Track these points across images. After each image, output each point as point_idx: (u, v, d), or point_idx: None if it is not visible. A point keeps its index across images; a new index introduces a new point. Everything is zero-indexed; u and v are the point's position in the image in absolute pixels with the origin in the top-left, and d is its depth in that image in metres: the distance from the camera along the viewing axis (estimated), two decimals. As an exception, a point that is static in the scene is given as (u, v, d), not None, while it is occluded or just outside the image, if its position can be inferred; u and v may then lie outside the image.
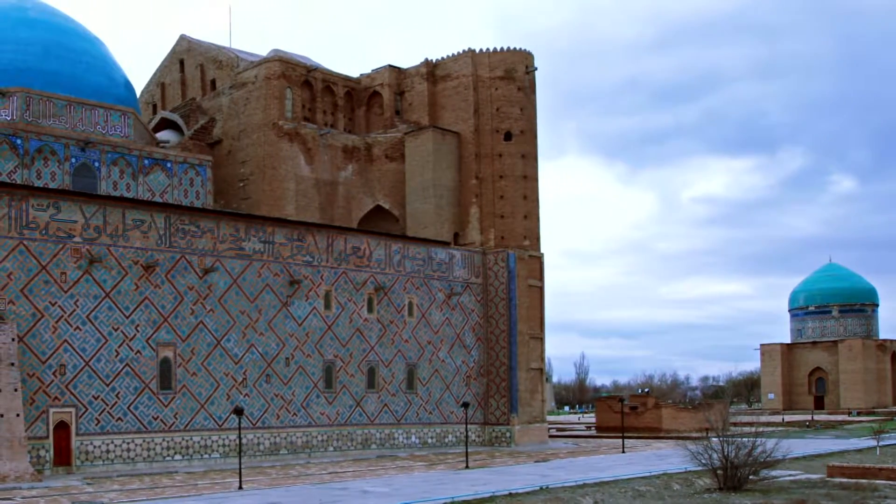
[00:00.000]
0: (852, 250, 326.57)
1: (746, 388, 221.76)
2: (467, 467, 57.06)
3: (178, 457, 59.15)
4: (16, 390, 50.12)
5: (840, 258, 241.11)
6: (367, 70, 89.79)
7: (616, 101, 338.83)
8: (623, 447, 72.74)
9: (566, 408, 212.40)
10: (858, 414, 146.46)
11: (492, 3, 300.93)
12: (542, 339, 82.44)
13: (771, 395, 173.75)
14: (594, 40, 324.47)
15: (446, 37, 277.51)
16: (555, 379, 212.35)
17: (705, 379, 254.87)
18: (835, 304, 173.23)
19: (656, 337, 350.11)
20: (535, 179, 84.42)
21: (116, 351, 56.70)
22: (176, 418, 59.32)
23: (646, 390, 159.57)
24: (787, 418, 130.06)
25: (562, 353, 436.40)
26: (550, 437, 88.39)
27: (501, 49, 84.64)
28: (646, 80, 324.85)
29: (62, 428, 54.13)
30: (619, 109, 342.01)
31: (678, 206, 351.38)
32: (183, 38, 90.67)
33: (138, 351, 57.70)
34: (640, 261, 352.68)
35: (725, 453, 42.82)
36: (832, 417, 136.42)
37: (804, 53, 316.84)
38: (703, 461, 43.70)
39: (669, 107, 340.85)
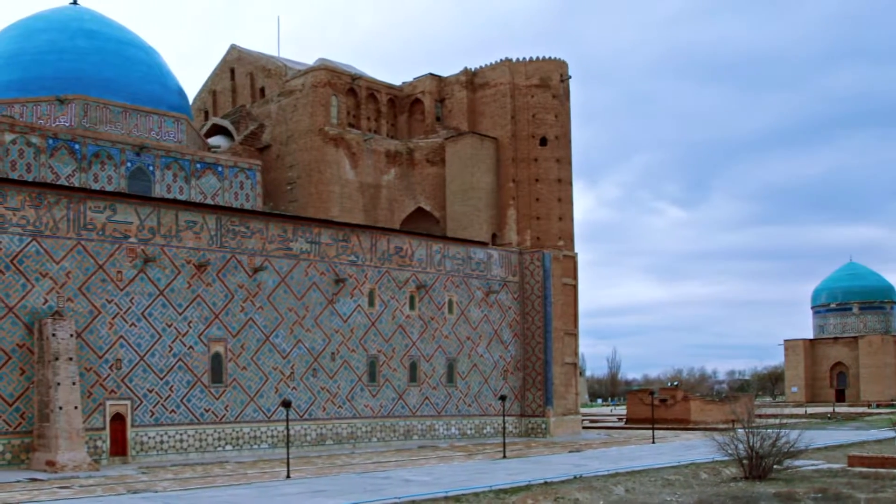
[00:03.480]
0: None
1: (771, 382, 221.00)
2: (505, 457, 56.55)
3: (228, 447, 58.80)
4: (74, 384, 49.88)
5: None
6: (409, 78, 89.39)
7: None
8: (653, 438, 72.56)
9: (599, 400, 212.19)
10: (878, 406, 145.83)
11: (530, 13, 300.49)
12: (575, 335, 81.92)
13: (794, 389, 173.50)
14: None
15: (485, 45, 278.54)
16: (588, 373, 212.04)
17: (732, 373, 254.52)
18: (855, 302, 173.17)
19: (684, 333, 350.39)
20: (569, 183, 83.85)
21: (170, 346, 56.39)
22: (227, 410, 58.97)
23: (675, 384, 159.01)
24: (810, 410, 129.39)
25: (595, 348, 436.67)
26: (584, 428, 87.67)
27: (537, 58, 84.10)
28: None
29: (118, 420, 53.83)
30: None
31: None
32: (234, 47, 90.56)
33: (191, 346, 57.39)
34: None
35: (751, 444, 42.64)
36: (853, 410, 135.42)
37: None
38: (730, 451, 43.53)
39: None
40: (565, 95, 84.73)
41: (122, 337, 54.23)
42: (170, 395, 56.21)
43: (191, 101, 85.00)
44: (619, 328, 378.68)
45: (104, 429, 53.15)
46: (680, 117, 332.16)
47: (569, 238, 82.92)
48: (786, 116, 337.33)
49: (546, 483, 40.41)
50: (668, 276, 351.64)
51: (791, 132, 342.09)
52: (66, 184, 60.89)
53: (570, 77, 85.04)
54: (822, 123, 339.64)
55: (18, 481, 43.42)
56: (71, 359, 50.16)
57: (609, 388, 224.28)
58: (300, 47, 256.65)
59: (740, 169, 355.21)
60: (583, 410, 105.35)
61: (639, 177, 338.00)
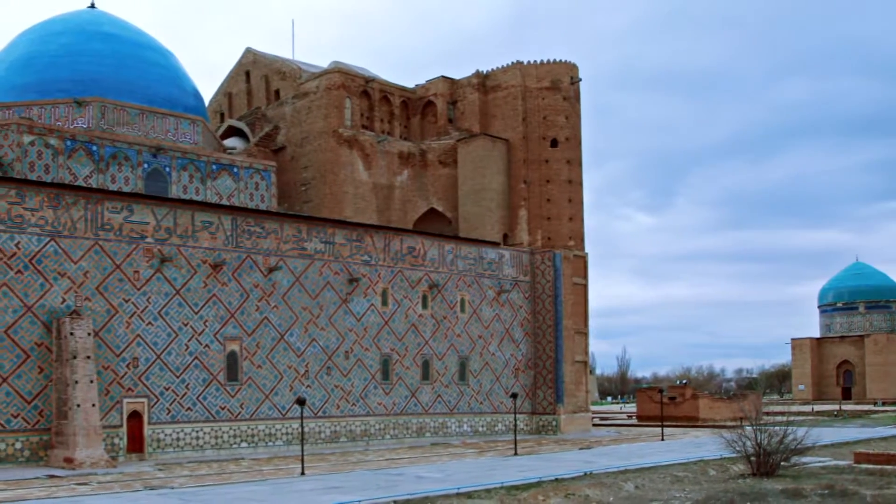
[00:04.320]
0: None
1: (778, 380, 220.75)
2: (516, 454, 56.43)
3: (244, 444, 58.68)
4: (91, 382, 49.80)
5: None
6: (422, 81, 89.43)
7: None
8: (662, 435, 72.33)
9: (609, 398, 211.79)
10: (883, 404, 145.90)
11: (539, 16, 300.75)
12: (585, 334, 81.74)
13: (801, 387, 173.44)
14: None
15: (497, 48, 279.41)
16: (598, 371, 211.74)
17: (740, 371, 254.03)
18: (861, 301, 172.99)
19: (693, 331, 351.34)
20: (580, 184, 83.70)
21: (186, 345, 56.27)
22: (242, 408, 58.84)
23: (684, 382, 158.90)
24: (817, 408, 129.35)
25: (604, 347, 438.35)
26: (594, 425, 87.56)
27: (548, 61, 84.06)
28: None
29: (135, 417, 53.71)
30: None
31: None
32: (249, 50, 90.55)
33: (206, 345, 57.26)
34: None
35: (758, 441, 42.74)
36: (859, 407, 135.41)
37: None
38: (738, 448, 43.65)
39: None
40: (575, 97, 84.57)
41: (138, 336, 54.12)
42: (186, 393, 56.11)
43: (207, 103, 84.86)
44: (616, 328, 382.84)
45: (121, 426, 53.02)
46: (641, 128, 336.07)
47: (579, 238, 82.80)
48: (742, 126, 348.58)
49: (557, 480, 40.38)
50: (652, 278, 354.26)
51: (747, 141, 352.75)
52: (84, 185, 60.67)
53: (581, 79, 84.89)
54: (775, 133, 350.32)
55: (37, 478, 43.33)
56: (89, 357, 50.07)
57: (619, 386, 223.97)
58: (314, 49, 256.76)
59: (702, 176, 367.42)
60: (593, 408, 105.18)
61: (605, 184, 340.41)
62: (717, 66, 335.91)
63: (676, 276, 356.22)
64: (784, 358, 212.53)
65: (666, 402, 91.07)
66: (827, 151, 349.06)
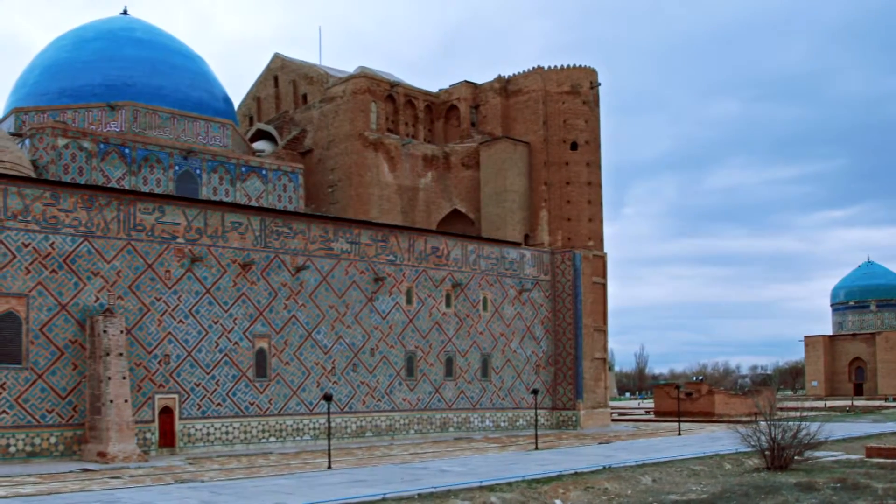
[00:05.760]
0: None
1: (792, 377, 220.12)
2: (537, 448, 56.02)
3: (272, 439, 58.46)
4: (124, 378, 49.63)
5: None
6: (445, 85, 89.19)
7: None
8: (679, 430, 71.98)
9: (627, 394, 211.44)
10: (894, 399, 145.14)
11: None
12: (605, 332, 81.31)
13: (814, 383, 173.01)
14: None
15: (518, 53, 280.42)
16: (617, 368, 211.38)
17: (754, 368, 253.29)
18: (872, 300, 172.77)
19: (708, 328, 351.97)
20: (599, 185, 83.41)
21: (216, 342, 56.08)
22: (270, 404, 58.61)
23: (700, 378, 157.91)
24: (829, 404, 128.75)
25: (623, 344, 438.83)
26: (613, 420, 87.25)
27: (568, 66, 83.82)
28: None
29: (166, 412, 53.53)
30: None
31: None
32: (277, 56, 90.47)
33: (236, 342, 57.06)
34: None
35: (773, 436, 42.93)
36: (870, 403, 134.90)
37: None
38: (753, 443, 43.90)
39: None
40: (595, 102, 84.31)
41: (170, 333, 53.94)
42: (216, 389, 55.90)
43: (236, 107, 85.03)
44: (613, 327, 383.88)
45: (153, 421, 52.86)
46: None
47: (598, 239, 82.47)
48: (678, 142, 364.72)
49: (576, 473, 40.17)
50: (626, 280, 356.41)
51: (683, 156, 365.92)
52: (117, 186, 60.76)
53: (600, 84, 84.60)
54: (711, 148, 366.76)
55: (71, 471, 43.19)
56: (121, 354, 49.92)
57: (637, 382, 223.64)
58: (341, 54, 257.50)
59: (645, 189, 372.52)
60: (612, 404, 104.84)
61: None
62: (649, 87, 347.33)
63: (646, 279, 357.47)
64: (798, 355, 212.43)
65: (683, 398, 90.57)
66: (759, 167, 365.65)
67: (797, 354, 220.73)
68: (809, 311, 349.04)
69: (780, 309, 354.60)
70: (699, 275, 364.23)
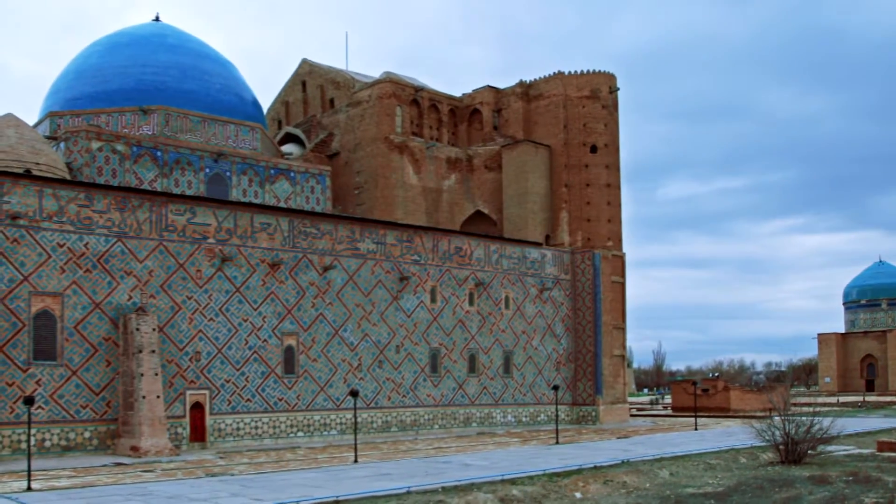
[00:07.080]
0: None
1: (805, 373, 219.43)
2: (557, 443, 55.71)
3: (300, 434, 58.31)
4: (156, 374, 49.58)
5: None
6: (469, 90, 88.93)
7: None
8: (696, 425, 71.54)
9: (645, 390, 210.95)
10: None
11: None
12: (623, 329, 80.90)
13: (827, 379, 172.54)
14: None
15: (539, 58, 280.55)
16: (635, 364, 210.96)
17: (769, 364, 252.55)
18: (884, 298, 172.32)
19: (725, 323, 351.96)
20: (618, 187, 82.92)
21: (246, 340, 55.97)
22: (298, 399, 58.46)
23: (716, 374, 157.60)
24: (842, 399, 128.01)
25: (641, 342, 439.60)
26: (631, 416, 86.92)
27: (588, 71, 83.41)
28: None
29: (197, 408, 53.45)
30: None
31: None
32: (305, 61, 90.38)
33: (265, 340, 56.92)
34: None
35: (787, 431, 42.70)
36: (882, 399, 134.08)
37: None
38: (767, 438, 43.59)
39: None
40: (614, 106, 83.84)
41: (201, 331, 53.84)
42: (245, 385, 55.78)
43: (265, 111, 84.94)
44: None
45: (184, 416, 52.76)
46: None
47: (617, 239, 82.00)
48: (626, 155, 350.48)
49: (596, 467, 40.00)
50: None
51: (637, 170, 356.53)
52: (149, 188, 60.66)
53: (619, 89, 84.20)
54: (659, 161, 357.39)
55: (105, 465, 43.18)
56: (154, 351, 49.89)
57: (655, 379, 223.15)
58: (367, 59, 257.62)
59: None
60: (630, 399, 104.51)
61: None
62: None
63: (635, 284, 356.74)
64: (811, 352, 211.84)
65: (699, 394, 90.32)
66: (706, 179, 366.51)
67: (810, 351, 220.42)
68: (796, 311, 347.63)
69: (762, 310, 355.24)
70: (680, 277, 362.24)
